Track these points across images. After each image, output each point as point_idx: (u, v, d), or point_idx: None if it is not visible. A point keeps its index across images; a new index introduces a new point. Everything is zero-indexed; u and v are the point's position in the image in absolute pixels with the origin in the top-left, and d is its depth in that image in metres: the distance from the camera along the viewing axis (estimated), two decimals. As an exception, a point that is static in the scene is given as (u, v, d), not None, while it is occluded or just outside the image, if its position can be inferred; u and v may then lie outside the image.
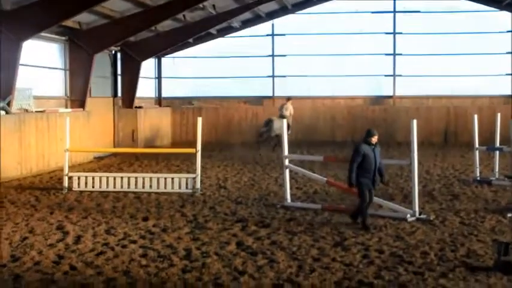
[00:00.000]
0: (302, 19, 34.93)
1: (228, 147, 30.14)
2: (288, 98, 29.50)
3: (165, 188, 17.26)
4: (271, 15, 34.48)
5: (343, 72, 34.36)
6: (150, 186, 17.33)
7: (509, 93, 33.51)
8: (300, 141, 28.74)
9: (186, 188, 17.19)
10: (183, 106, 34.81)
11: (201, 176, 17.64)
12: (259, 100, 35.17)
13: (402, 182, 18.27)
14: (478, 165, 19.00)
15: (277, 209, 14.77)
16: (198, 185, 17.19)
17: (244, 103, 35.18)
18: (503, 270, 9.44)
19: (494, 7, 33.64)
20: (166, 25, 29.77)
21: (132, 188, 17.36)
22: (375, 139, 12.78)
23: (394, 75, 34.35)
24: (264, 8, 32.81)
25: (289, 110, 28.39)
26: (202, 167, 18.03)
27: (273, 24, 34.95)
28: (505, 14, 33.63)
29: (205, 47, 35.27)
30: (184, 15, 29.02)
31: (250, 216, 14.03)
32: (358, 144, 12.96)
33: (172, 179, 17.44)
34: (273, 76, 35.10)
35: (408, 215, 13.41)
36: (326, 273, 9.59)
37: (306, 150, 26.91)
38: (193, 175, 17.37)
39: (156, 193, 17.02)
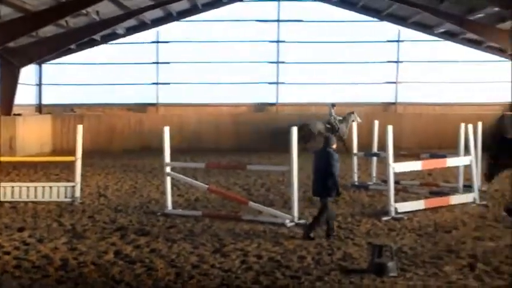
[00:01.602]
0: (187, 27, 34.91)
1: (110, 155, 29.70)
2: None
3: (43, 197, 16.74)
4: (156, 23, 34.32)
5: (227, 80, 34.51)
6: (27, 196, 16.79)
7: (388, 100, 34.62)
8: (184, 149, 28.62)
9: (65, 197, 16.75)
10: (64, 113, 34.05)
11: (81, 184, 17.23)
12: (143, 107, 34.86)
13: (283, 188, 18.46)
14: (356, 171, 19.44)
15: (158, 217, 14.65)
16: (78, 194, 16.81)
17: (128, 110, 34.79)
18: (377, 271, 9.69)
19: (375, 17, 34.69)
20: (48, 31, 29.12)
21: (8, 198, 16.74)
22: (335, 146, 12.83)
23: (277, 83, 34.82)
24: (148, 15, 32.63)
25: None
26: (82, 175, 17.64)
27: (157, 32, 34.73)
28: (385, 24, 34.74)
29: (89, 54, 34.65)
30: (66, 21, 28.43)
31: (130, 224, 13.86)
32: (332, 151, 12.66)
33: (51, 187, 16.95)
34: (157, 83, 34.87)
35: (287, 221, 13.56)
36: (205, 280, 9.59)
37: (190, 157, 26.83)
38: (72, 183, 16.99)
39: (33, 202, 16.50)
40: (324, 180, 12.31)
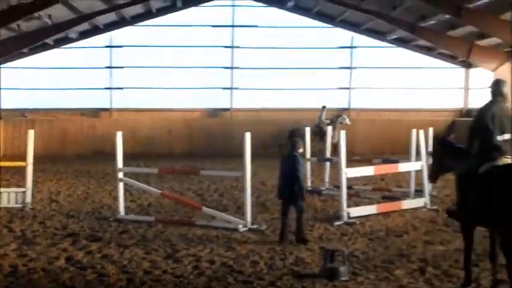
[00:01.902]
0: (141, 31, 34.73)
1: (63, 160, 29.37)
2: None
3: (-7, 202, 16.51)
4: (109, 27, 34.06)
5: (181, 85, 34.42)
6: (-24, 202, 16.53)
7: (341, 106, 34.89)
8: (138, 154, 28.44)
9: (16, 202, 16.49)
10: (15, 118, 33.53)
11: (32, 190, 17.03)
12: (96, 112, 34.56)
13: (237, 193, 18.46)
14: (309, 176, 19.53)
15: (110, 222, 14.52)
16: (29, 200, 16.59)
17: (81, 115, 34.46)
18: (329, 276, 9.75)
19: (329, 23, 34.96)
20: (-1, 34, 28.69)
21: (-45, 205, 16.47)
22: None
23: (231, 88, 34.85)
24: (102, 20, 32.34)
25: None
26: (33, 180, 17.42)
27: (111, 36, 34.49)
28: (338, 30, 35.04)
29: (41, 58, 34.24)
30: (18, 25, 28.05)
31: (82, 230, 13.72)
32: (298, 155, 12.84)
33: (0, 193, 16.64)
34: (110, 88, 34.61)
35: (240, 226, 13.57)
36: (157, 286, 9.54)
37: (143, 163, 26.67)
38: (23, 189, 16.75)
39: (-18, 208, 16.25)
40: (290, 185, 12.43)
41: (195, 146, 32.91)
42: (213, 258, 11.17)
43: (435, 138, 10.25)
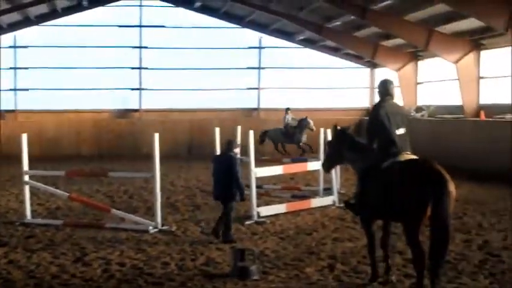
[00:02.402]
0: (47, 31, 33.98)
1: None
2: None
3: None
4: (13, 27, 33.12)
5: (88, 86, 33.85)
6: None
7: (252, 106, 35.10)
8: (45, 157, 27.83)
9: None
10: None
11: None
12: (0, 114, 33.60)
13: (146, 194, 18.28)
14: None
15: (16, 227, 14.13)
16: None
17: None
18: (240, 275, 9.79)
19: (237, 24, 35.09)
20: None
21: None
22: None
23: (140, 89, 34.55)
24: (5, 19, 31.45)
25: None
26: None
27: (15, 36, 33.61)
28: (247, 31, 35.22)
29: None
30: None
31: (-13, 235, 13.35)
32: (234, 155, 12.86)
33: None
34: (15, 89, 33.72)
35: (150, 227, 13.48)
36: (64, 290, 9.39)
37: (51, 165, 26.08)
38: None
39: None
40: (227, 185, 12.44)
41: (104, 148, 32.47)
42: (123, 260, 11.05)
43: (334, 128, 10.44)
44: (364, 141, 9.86)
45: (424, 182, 8.17)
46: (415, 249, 8.30)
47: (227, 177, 12.48)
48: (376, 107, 9.24)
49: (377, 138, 9.13)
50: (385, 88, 9.39)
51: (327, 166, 10.76)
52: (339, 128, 10.38)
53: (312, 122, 28.91)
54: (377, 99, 9.46)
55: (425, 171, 8.32)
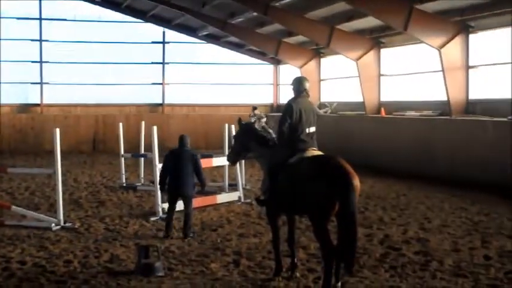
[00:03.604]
0: None
1: None
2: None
3: None
4: None
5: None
6: None
7: (156, 101, 34.89)
8: None
9: None
10: None
11: None
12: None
13: (49, 190, 17.92)
14: (124, 172, 19.41)
15: None
16: None
17: None
18: (144, 272, 9.72)
19: (140, 18, 34.79)
20: None
21: None
22: None
23: (41, 83, 33.76)
24: None
25: None
26: None
27: None
28: (150, 26, 34.97)
29: None
30: None
31: None
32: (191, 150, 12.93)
33: None
34: None
35: (53, 224, 13.22)
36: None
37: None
38: None
39: None
40: (189, 179, 12.50)
41: (4, 143, 31.62)
42: (24, 258, 10.79)
43: (239, 122, 10.53)
44: (269, 136, 9.98)
45: (331, 177, 8.32)
46: (324, 245, 8.42)
47: (189, 172, 12.54)
48: (290, 103, 9.35)
49: (287, 135, 9.23)
50: (300, 85, 9.51)
51: (233, 159, 10.82)
52: (243, 122, 10.47)
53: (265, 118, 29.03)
54: (284, 95, 9.57)
55: (332, 167, 8.47)
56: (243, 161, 17.80)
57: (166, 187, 12.69)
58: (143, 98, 34.87)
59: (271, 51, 33.07)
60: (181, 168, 12.54)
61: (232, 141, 16.93)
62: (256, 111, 29.23)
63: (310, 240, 11.14)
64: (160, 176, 12.87)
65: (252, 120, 25.94)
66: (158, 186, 13.10)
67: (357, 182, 8.37)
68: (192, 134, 32.40)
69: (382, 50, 26.60)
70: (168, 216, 12.69)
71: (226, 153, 17.40)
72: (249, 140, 10.10)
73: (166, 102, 35.16)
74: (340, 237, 8.41)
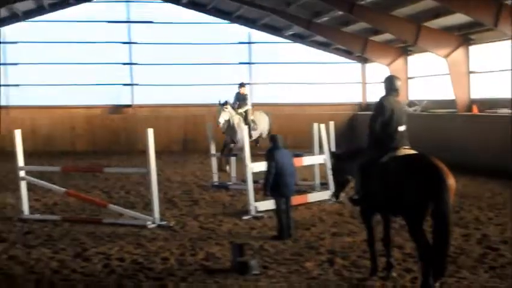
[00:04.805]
0: (35, 27, 33.89)
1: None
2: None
3: None
4: (1, 23, 32.88)
5: (81, 82, 33.81)
6: None
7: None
8: (39, 153, 27.78)
9: None
10: None
11: None
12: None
13: (143, 190, 18.30)
14: (215, 171, 19.59)
15: (14, 222, 14.20)
16: None
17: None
18: (240, 270, 9.84)
19: (226, 19, 35.12)
20: None
21: None
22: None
23: (132, 85, 34.52)
24: (-9, 15, 31.39)
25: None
26: None
27: (2, 32, 33.49)
28: (236, 26, 35.24)
29: None
30: None
31: (-15, 231, 13.36)
32: None
33: None
34: (6, 85, 33.61)
35: (149, 222, 13.53)
36: (66, 285, 9.42)
37: (47, 161, 26.07)
38: None
39: None
40: (292, 179, 12.67)
41: (98, 143, 32.49)
42: (122, 256, 11.08)
43: (332, 155, 10.62)
44: (356, 146, 9.95)
45: (424, 176, 8.27)
46: (420, 245, 8.37)
47: (292, 172, 12.67)
48: (382, 101, 9.33)
49: (379, 132, 9.21)
50: (391, 83, 9.47)
51: (335, 195, 10.76)
52: (335, 152, 10.50)
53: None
54: (371, 94, 9.56)
55: (425, 165, 8.41)
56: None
57: (271, 187, 12.48)
58: (231, 98, 35.04)
59: (357, 50, 32.86)
60: (286, 168, 12.49)
61: (323, 142, 17.06)
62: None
63: (405, 239, 11.04)
64: (267, 176, 12.48)
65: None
66: (264, 187, 12.69)
67: (451, 181, 8.28)
68: (278, 133, 32.96)
69: (471, 47, 26.08)
70: (281, 218, 12.39)
71: (315, 152, 17.48)
72: (342, 167, 10.10)
73: (253, 101, 35.30)
74: (433, 238, 8.35)
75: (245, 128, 15.92)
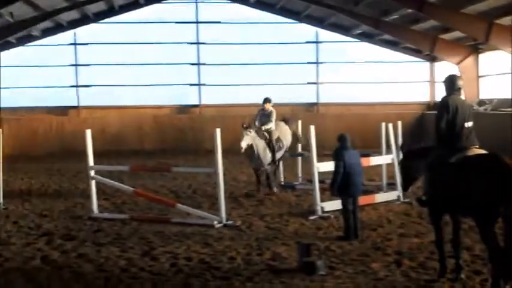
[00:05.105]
0: (106, 28, 34.53)
1: (33, 159, 29.08)
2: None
3: (-36, 203, 16.35)
4: (73, 24, 33.75)
5: (149, 82, 34.31)
6: None
7: (311, 101, 35.06)
8: (107, 152, 28.23)
9: (-13, 202, 16.40)
10: (-18, 117, 33.16)
11: (3, 189, 16.88)
12: (64, 110, 34.30)
13: (210, 189, 18.41)
14: (282, 171, 19.57)
15: (84, 221, 14.47)
16: (0, 199, 16.46)
17: (48, 113, 34.09)
18: (306, 270, 9.82)
19: (293, 19, 35.08)
20: (-41, 33, 28.22)
21: None
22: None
23: (199, 85, 34.82)
24: (64, 17, 32.04)
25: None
26: (4, 180, 17.27)
27: (75, 33, 34.25)
28: (303, 26, 35.17)
29: (4, 56, 33.79)
30: (-21, 23, 27.73)
31: (56, 229, 13.63)
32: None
33: (-28, 193, 16.58)
34: (77, 86, 34.37)
35: (215, 222, 13.60)
36: (134, 284, 9.53)
37: (115, 160, 26.52)
38: (-7, 189, 16.63)
39: (-47, 210, 16.08)
40: (360, 178, 12.65)
41: (166, 143, 32.87)
42: (190, 255, 11.18)
43: (401, 148, 10.46)
44: (425, 144, 9.81)
45: (496, 177, 8.10)
46: (491, 247, 8.21)
47: (360, 172, 12.60)
48: (445, 100, 9.19)
49: (445, 130, 9.06)
50: (452, 83, 9.31)
51: (404, 187, 10.62)
52: (405, 151, 10.32)
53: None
54: (440, 93, 9.40)
55: (497, 166, 8.23)
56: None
57: (338, 187, 12.33)
58: (298, 98, 35.07)
59: (426, 48, 32.43)
60: (354, 168, 12.38)
61: (391, 142, 16.88)
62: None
63: (474, 241, 10.85)
64: (335, 176, 12.33)
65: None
66: (331, 187, 12.53)
67: None
68: (347, 132, 32.86)
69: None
70: (348, 218, 12.29)
71: (383, 152, 17.30)
72: (411, 164, 9.94)
73: (320, 101, 35.27)
74: (504, 240, 8.17)
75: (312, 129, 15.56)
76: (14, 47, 33.60)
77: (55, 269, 10.40)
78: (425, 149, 9.75)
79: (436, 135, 9.25)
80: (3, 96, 33.64)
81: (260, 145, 17.94)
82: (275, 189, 18.05)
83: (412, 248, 11.31)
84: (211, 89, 34.94)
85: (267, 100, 19.01)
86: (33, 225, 14.05)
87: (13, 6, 26.25)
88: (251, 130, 17.75)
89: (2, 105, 33.60)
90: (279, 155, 18.55)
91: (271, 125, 18.51)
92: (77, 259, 11.05)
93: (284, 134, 19.06)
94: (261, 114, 18.80)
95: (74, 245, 12.12)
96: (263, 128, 18.31)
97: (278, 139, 18.57)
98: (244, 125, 17.70)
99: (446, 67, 32.62)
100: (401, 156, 10.55)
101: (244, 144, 17.42)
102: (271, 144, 18.23)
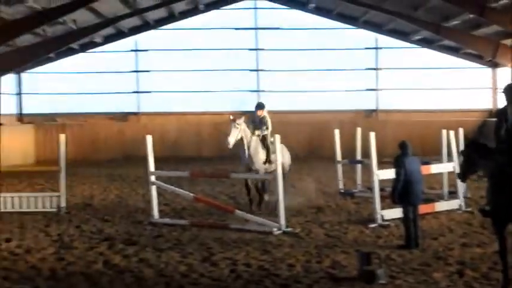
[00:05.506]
0: (165, 35, 34.95)
1: (94, 164, 29.55)
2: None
3: (28, 207, 16.67)
4: (134, 31, 34.28)
5: (207, 88, 34.55)
6: (12, 206, 16.69)
7: (370, 107, 34.82)
8: (166, 158, 28.48)
9: (51, 207, 16.67)
10: (46, 123, 33.83)
11: (66, 194, 17.19)
12: (124, 116, 34.79)
13: (268, 195, 18.38)
14: (341, 178, 19.45)
15: (145, 226, 14.65)
16: (63, 204, 16.76)
17: (109, 119, 34.62)
18: (366, 279, 9.75)
19: (352, 24, 34.93)
20: (25, 40, 28.75)
21: (-6, 208, 16.65)
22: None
23: (258, 91, 34.90)
24: (126, 24, 32.59)
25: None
26: (67, 185, 17.57)
27: (135, 40, 34.73)
28: (362, 31, 34.99)
29: (68, 62, 34.52)
30: (44, 30, 28.25)
31: (117, 234, 13.84)
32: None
33: (36, 197, 16.90)
34: (137, 92, 34.83)
35: (275, 229, 13.60)
36: (195, 290, 9.62)
37: (173, 166, 26.71)
38: (57, 193, 16.91)
39: (19, 213, 16.43)
40: (420, 186, 12.47)
41: (223, 149, 32.78)
42: (249, 261, 11.22)
43: (465, 138, 10.28)
44: (489, 144, 9.65)
45: None
46: None
47: (421, 180, 12.45)
48: (503, 109, 9.06)
49: (505, 139, 8.92)
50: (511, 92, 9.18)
51: (462, 175, 10.46)
52: (470, 138, 10.16)
53: None
54: (501, 100, 9.26)
55: None
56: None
57: (399, 195, 12.14)
58: (357, 104, 34.87)
59: (488, 54, 31.88)
60: (415, 176, 12.22)
61: (452, 150, 16.64)
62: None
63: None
64: (395, 184, 12.15)
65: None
66: (392, 195, 12.32)
67: None
68: (407, 140, 32.48)
69: None
70: (409, 227, 12.11)
71: (444, 160, 17.07)
72: (474, 155, 9.77)
73: (380, 108, 35.01)
74: None
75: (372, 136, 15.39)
76: (77, 53, 34.30)
77: (117, 273, 10.54)
78: (488, 148, 9.56)
79: (496, 144, 9.12)
80: (66, 102, 34.30)
81: (253, 143, 16.31)
82: (266, 197, 16.73)
83: (475, 258, 11.15)
84: (271, 95, 34.91)
85: (260, 106, 17.29)
86: (95, 230, 14.30)
87: (76, 13, 26.75)
88: (240, 122, 16.04)
89: (64, 111, 34.26)
90: (274, 157, 15.38)
91: (266, 132, 16.81)
92: (138, 264, 11.19)
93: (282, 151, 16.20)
94: (252, 121, 17.11)
95: (135, 249, 12.27)
96: (257, 133, 16.61)
97: (272, 143, 16.06)
98: (232, 117, 16.22)
99: (508, 73, 32.02)
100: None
101: (232, 140, 15.81)
102: (265, 143, 16.59)
